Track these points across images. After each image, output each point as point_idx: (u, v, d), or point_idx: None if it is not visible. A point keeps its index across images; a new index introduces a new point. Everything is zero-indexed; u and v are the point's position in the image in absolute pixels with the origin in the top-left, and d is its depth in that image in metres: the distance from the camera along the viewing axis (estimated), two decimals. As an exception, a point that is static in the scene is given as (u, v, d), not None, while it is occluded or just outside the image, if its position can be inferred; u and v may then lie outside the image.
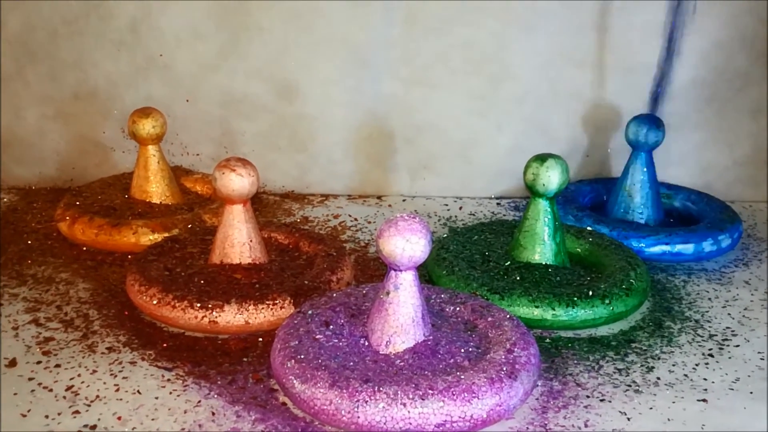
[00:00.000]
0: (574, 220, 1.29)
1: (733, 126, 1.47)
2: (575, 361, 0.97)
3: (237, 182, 1.05)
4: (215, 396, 0.88)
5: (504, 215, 1.42)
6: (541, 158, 1.10)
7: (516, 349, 0.88)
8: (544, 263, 1.12)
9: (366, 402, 0.80)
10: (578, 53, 1.42)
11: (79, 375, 0.91)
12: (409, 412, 0.79)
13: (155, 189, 1.32)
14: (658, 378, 0.94)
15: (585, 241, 1.20)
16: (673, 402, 0.89)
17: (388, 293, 0.89)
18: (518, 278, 1.09)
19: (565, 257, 1.15)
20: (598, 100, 1.45)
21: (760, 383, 0.93)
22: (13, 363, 0.93)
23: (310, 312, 0.94)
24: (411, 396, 0.80)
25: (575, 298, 1.03)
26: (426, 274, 1.14)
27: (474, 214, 1.42)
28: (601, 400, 0.89)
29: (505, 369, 0.84)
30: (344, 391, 0.81)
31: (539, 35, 1.40)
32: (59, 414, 0.84)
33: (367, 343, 0.91)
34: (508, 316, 0.95)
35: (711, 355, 0.99)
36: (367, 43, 1.40)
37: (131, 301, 1.05)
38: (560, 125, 1.47)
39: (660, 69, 1.43)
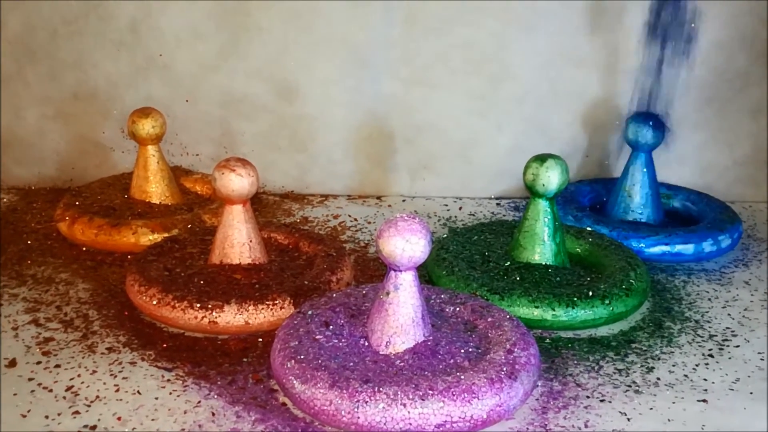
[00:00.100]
0: (574, 221, 1.29)
1: (733, 126, 1.47)
2: (575, 362, 0.97)
3: (237, 182, 1.05)
4: (215, 396, 0.88)
5: (504, 215, 1.42)
6: (541, 158, 1.10)
7: (516, 350, 0.88)
8: (544, 263, 1.12)
9: (366, 402, 0.80)
10: (578, 53, 1.42)
11: (79, 375, 0.91)
12: (409, 412, 0.79)
13: (155, 189, 1.32)
14: (658, 378, 0.94)
15: (585, 242, 1.20)
16: (673, 402, 0.89)
17: (387, 293, 0.89)
18: (518, 278, 1.09)
19: (565, 257, 1.15)
20: (598, 100, 1.45)
21: (760, 383, 0.93)
22: (12, 363, 0.93)
23: (309, 312, 0.94)
24: (411, 396, 0.80)
25: (575, 299, 1.03)
26: (426, 274, 1.14)
27: (474, 215, 1.42)
28: (601, 401, 0.89)
29: (505, 369, 0.84)
30: (344, 391, 0.81)
31: (539, 35, 1.40)
32: (59, 414, 0.84)
33: (367, 344, 0.91)
34: (508, 317, 0.95)
35: (711, 356, 0.99)
36: (367, 43, 1.40)
37: (131, 301, 1.05)
38: (560, 125, 1.47)
39: (660, 69, 1.43)
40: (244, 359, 0.95)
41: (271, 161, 1.46)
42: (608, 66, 1.43)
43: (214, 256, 1.10)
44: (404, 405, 0.79)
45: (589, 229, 1.24)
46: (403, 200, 1.48)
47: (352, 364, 0.86)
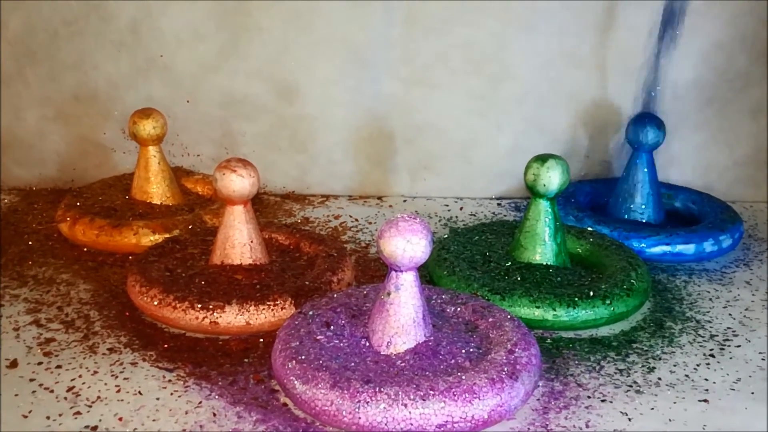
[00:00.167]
0: (575, 221, 1.29)
1: (734, 126, 1.47)
2: (576, 362, 0.97)
3: (238, 183, 1.05)
4: (216, 397, 0.88)
5: (505, 216, 1.42)
6: (542, 159, 1.10)
7: (517, 350, 0.88)
8: (544, 264, 1.12)
9: (367, 403, 0.80)
10: (578, 53, 1.42)
11: (80, 376, 0.91)
12: (410, 412, 0.79)
13: (156, 190, 1.32)
14: (660, 378, 0.94)
15: (586, 242, 1.20)
16: (675, 402, 0.89)
17: (388, 294, 0.89)
18: (519, 279, 1.09)
19: (565, 258, 1.15)
20: (598, 100, 1.45)
21: (761, 383, 0.93)
22: (14, 364, 0.93)
23: (311, 313, 0.94)
24: (412, 397, 0.80)
25: (576, 299, 1.03)
26: (427, 274, 1.14)
27: (474, 215, 1.42)
28: (602, 401, 0.89)
29: (506, 369, 0.84)
30: (345, 391, 0.81)
31: (539, 35, 1.40)
32: (60, 415, 0.84)
33: (368, 344, 0.91)
34: (509, 317, 0.95)
35: (712, 356, 0.99)
36: (367, 43, 1.40)
37: (132, 302, 1.05)
38: (560, 125, 1.47)
39: (659, 69, 1.43)
40: (245, 360, 0.95)
41: (272, 162, 1.46)
42: (608, 66, 1.43)
43: (215, 257, 1.10)
44: (405, 405, 0.79)
45: (590, 229, 1.24)
46: (404, 200, 1.48)
47: (353, 364, 0.86)
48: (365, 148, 1.47)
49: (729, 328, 1.06)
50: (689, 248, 1.23)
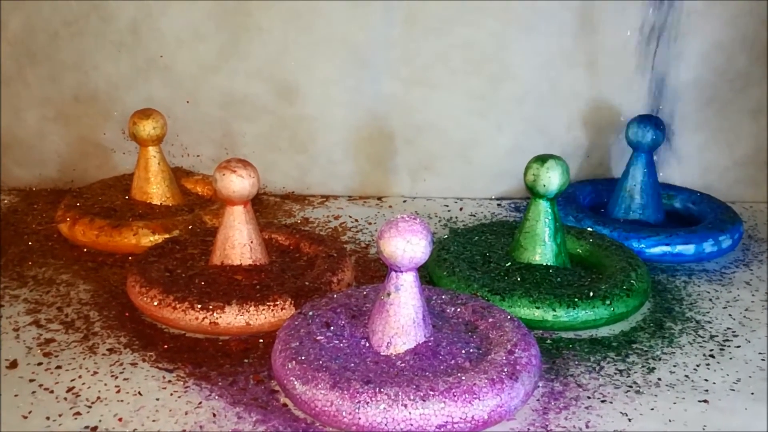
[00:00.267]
0: (575, 221, 1.29)
1: (734, 126, 1.47)
2: (576, 362, 0.97)
3: (237, 183, 1.05)
4: (216, 397, 0.88)
5: (504, 216, 1.42)
6: (542, 159, 1.10)
7: (517, 350, 0.88)
8: (544, 264, 1.12)
9: (367, 403, 0.80)
10: (578, 54, 1.42)
11: (80, 376, 0.91)
12: (410, 413, 0.79)
13: (156, 190, 1.32)
14: (659, 379, 0.94)
15: (585, 242, 1.20)
16: (674, 403, 0.89)
17: (388, 294, 0.89)
18: (519, 279, 1.09)
19: (565, 258, 1.15)
20: (598, 101, 1.45)
21: (761, 384, 0.93)
22: (14, 364, 0.93)
23: (310, 313, 0.94)
24: (412, 397, 0.80)
25: (576, 299, 1.03)
26: (427, 275, 1.14)
27: (474, 215, 1.42)
28: (602, 401, 0.89)
29: (506, 370, 0.84)
30: (345, 392, 0.81)
31: (539, 35, 1.40)
32: (60, 415, 0.84)
33: (367, 345, 0.91)
34: (508, 317, 0.95)
35: (712, 356, 0.99)
36: (367, 43, 1.40)
37: (132, 302, 1.05)
38: (560, 126, 1.47)
39: (659, 70, 1.43)
40: (245, 360, 0.95)
41: (272, 162, 1.46)
42: (608, 66, 1.43)
43: (215, 257, 1.10)
44: (405, 406, 0.79)
45: (589, 229, 1.24)
46: (404, 201, 1.48)
47: (353, 364, 0.86)
48: (365, 148, 1.47)
49: (729, 328, 1.06)
50: (689, 249, 1.23)
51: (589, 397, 0.90)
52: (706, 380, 0.94)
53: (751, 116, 1.47)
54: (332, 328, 0.92)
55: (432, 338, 0.91)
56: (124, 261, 1.19)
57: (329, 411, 0.81)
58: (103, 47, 1.40)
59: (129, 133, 1.30)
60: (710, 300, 1.13)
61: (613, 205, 1.36)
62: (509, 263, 1.13)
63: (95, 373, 0.92)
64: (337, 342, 0.91)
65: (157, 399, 0.87)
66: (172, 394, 0.88)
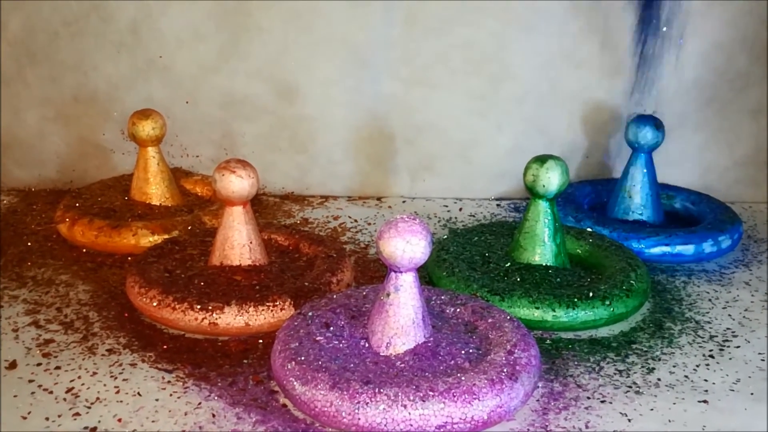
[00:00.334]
0: (574, 221, 1.29)
1: (734, 127, 1.47)
2: (576, 363, 0.97)
3: (237, 184, 1.05)
4: (215, 398, 0.88)
5: (504, 216, 1.42)
6: (541, 159, 1.10)
7: (516, 351, 0.88)
8: (544, 264, 1.12)
9: (367, 404, 0.79)
10: (578, 54, 1.42)
11: (79, 377, 0.91)
12: (409, 413, 0.79)
13: (155, 191, 1.32)
14: (659, 379, 0.94)
15: (585, 243, 1.20)
16: (674, 403, 0.89)
17: (388, 295, 0.89)
18: (518, 279, 1.09)
19: (565, 258, 1.15)
20: (597, 101, 1.45)
21: (760, 384, 0.93)
22: (13, 365, 0.93)
23: (310, 314, 0.94)
24: (412, 397, 0.80)
25: (575, 300, 1.03)
26: (426, 275, 1.14)
27: (474, 216, 1.42)
28: (602, 402, 0.89)
29: (505, 370, 0.84)
30: (345, 392, 0.80)
31: (539, 36, 1.40)
32: (59, 416, 0.84)
33: (367, 345, 0.91)
34: (508, 318, 0.95)
35: (711, 356, 0.99)
36: (367, 43, 1.40)
37: (131, 303, 1.05)
38: (560, 126, 1.47)
39: (659, 70, 1.43)
40: (245, 361, 0.95)
41: (272, 162, 1.46)
42: (608, 66, 1.43)
43: (214, 258, 1.10)
44: (405, 406, 0.79)
45: (589, 230, 1.24)
46: (404, 201, 1.48)
47: (352, 365, 0.86)
48: (365, 148, 1.47)
49: (728, 328, 1.06)
50: (688, 249, 1.23)
51: (588, 398, 0.90)
52: (706, 380, 0.94)
53: (750, 116, 1.47)
54: (332, 328, 0.92)
55: (431, 339, 0.91)
56: (124, 261, 1.19)
57: (329, 411, 0.81)
58: (103, 47, 1.40)
59: (128, 133, 1.30)
60: (710, 300, 1.13)
61: (613, 205, 1.36)
62: (509, 264, 1.13)
63: (94, 373, 0.92)
64: (336, 342, 0.90)
65: (157, 399, 0.87)
66: (171, 395, 0.88)
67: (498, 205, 1.48)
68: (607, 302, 1.03)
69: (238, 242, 1.09)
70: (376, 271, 1.19)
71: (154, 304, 1.01)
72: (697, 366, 0.97)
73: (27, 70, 1.42)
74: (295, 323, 0.93)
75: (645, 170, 1.33)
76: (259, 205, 1.43)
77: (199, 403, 0.87)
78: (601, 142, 1.48)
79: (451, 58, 1.41)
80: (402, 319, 0.88)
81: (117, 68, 1.42)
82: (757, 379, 0.94)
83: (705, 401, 0.90)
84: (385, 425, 0.79)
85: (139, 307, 1.03)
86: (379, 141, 1.46)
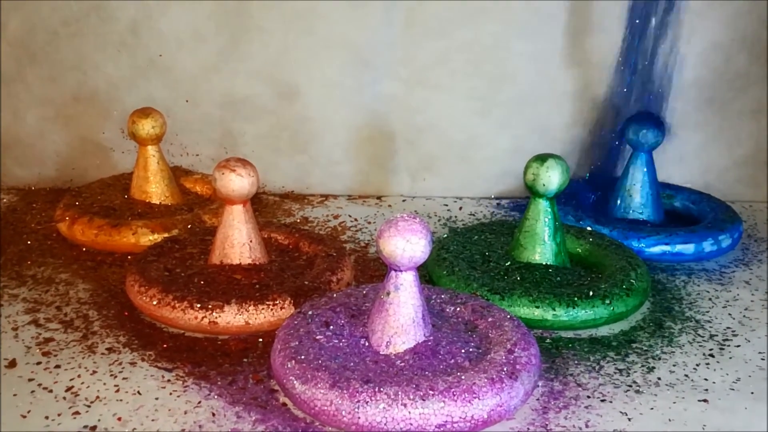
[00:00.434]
0: (574, 221, 1.29)
1: (734, 126, 1.47)
2: (576, 362, 0.97)
3: (237, 182, 1.05)
4: (215, 397, 0.88)
5: (504, 215, 1.42)
6: (541, 158, 1.10)
7: (516, 350, 0.88)
8: (544, 263, 1.12)
9: (366, 402, 0.79)
10: (578, 54, 1.42)
11: (79, 376, 0.91)
12: (409, 412, 0.79)
13: (155, 189, 1.32)
14: (659, 378, 0.94)
15: (585, 242, 1.20)
16: (674, 402, 0.89)
17: (388, 294, 0.89)
18: (518, 278, 1.09)
19: (565, 257, 1.15)
20: (597, 101, 1.45)
21: (760, 383, 0.93)
22: (12, 364, 0.93)
23: (310, 312, 0.94)
24: (412, 396, 0.80)
25: (576, 299, 1.02)
26: (426, 274, 1.14)
27: (474, 215, 1.42)
28: (602, 401, 0.89)
29: (505, 369, 0.84)
30: (345, 391, 0.80)
31: (539, 36, 1.40)
32: (59, 415, 0.84)
33: (367, 344, 0.91)
34: (508, 317, 0.95)
35: (712, 356, 0.99)
36: (367, 44, 1.40)
37: (131, 301, 1.05)
38: (560, 125, 1.47)
39: (658, 69, 1.43)
40: (245, 359, 0.95)
41: (272, 162, 1.46)
42: (607, 66, 1.43)
43: (214, 257, 1.10)
44: (405, 405, 0.79)
45: (589, 229, 1.24)
46: (404, 200, 1.48)
47: (352, 364, 0.86)
48: (365, 149, 1.47)
49: (728, 327, 1.06)
50: (689, 248, 1.23)
51: (588, 397, 0.90)
52: (706, 379, 0.94)
53: (750, 116, 1.47)
54: (332, 327, 0.92)
55: (431, 337, 0.91)
56: (123, 260, 1.19)
57: (329, 410, 0.81)
58: (103, 47, 1.40)
59: (128, 132, 1.30)
60: (710, 299, 1.13)
61: (613, 204, 1.36)
62: (509, 263, 1.13)
63: (94, 372, 0.92)
64: (336, 341, 0.90)
65: (156, 398, 0.87)
66: (171, 394, 0.88)
67: (498, 204, 1.48)
68: (607, 301, 1.03)
69: (238, 241, 1.09)
70: (376, 270, 1.19)
71: (154, 302, 1.01)
72: (697, 365, 0.97)
73: (27, 69, 1.42)
74: (295, 322, 0.93)
75: (645, 169, 1.33)
76: (259, 203, 1.43)
77: (199, 402, 0.87)
78: (601, 141, 1.48)
79: (452, 59, 1.41)
80: (402, 318, 0.88)
81: (117, 68, 1.42)
82: (757, 378, 0.94)
83: (705, 400, 0.90)
84: (385, 424, 0.79)
85: (139, 305, 1.03)
86: (380, 141, 1.46)
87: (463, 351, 0.90)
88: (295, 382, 0.83)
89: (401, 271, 0.88)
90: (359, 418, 0.79)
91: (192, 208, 1.31)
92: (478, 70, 1.42)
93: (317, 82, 1.42)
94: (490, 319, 0.94)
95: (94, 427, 0.82)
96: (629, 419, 0.86)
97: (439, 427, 0.79)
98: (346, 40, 1.40)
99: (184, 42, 1.40)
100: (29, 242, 1.25)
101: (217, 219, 1.24)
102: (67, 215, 1.25)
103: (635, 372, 0.95)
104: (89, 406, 0.86)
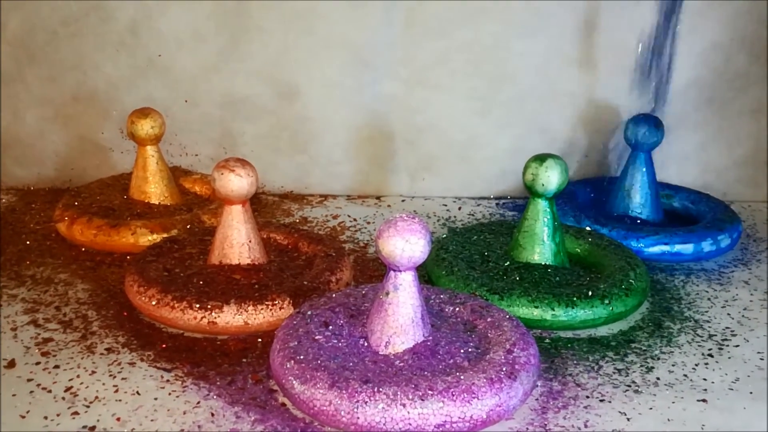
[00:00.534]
0: (574, 221, 1.29)
1: (733, 126, 1.47)
2: (575, 362, 0.97)
3: (236, 183, 1.05)
4: (214, 397, 0.88)
5: (503, 215, 1.42)
6: (541, 158, 1.10)
7: (515, 350, 0.88)
8: (543, 263, 1.12)
9: (366, 403, 0.79)
10: (577, 54, 1.42)
11: (78, 376, 0.91)
12: (408, 412, 0.79)
13: (154, 189, 1.32)
14: (658, 378, 0.94)
15: (584, 242, 1.20)
16: (673, 402, 0.89)
17: (387, 294, 0.89)
18: (518, 278, 1.09)
19: (564, 257, 1.15)
20: (597, 101, 1.45)
21: (759, 383, 0.93)
22: (12, 364, 0.93)
23: (309, 312, 0.94)
24: (411, 396, 0.80)
25: (575, 299, 1.02)
26: (425, 274, 1.14)
27: (473, 215, 1.42)
28: (601, 401, 0.89)
29: (504, 369, 0.84)
30: (344, 391, 0.80)
31: (539, 36, 1.40)
32: (58, 415, 0.84)
33: (366, 344, 0.91)
34: (507, 317, 0.95)
35: (710, 355, 0.99)
36: (367, 44, 1.40)
37: (130, 301, 1.05)
38: (559, 126, 1.47)
39: (658, 69, 1.43)
40: (244, 360, 0.95)
41: (271, 162, 1.46)
42: (607, 66, 1.43)
43: (213, 257, 1.10)
44: (404, 405, 0.79)
45: (588, 229, 1.24)
46: (403, 200, 1.48)
47: (351, 364, 0.86)
48: (365, 149, 1.47)
49: (727, 327, 1.06)
50: (688, 248, 1.23)
51: (587, 397, 0.90)
52: (705, 379, 0.94)
53: (750, 116, 1.47)
54: (331, 327, 0.92)
55: (431, 338, 0.91)
56: (123, 260, 1.19)
57: (328, 410, 0.81)
58: (102, 47, 1.40)
59: (127, 132, 1.30)
60: (709, 299, 1.13)
61: (612, 204, 1.36)
62: (508, 263, 1.13)
63: (93, 372, 0.92)
64: (335, 341, 0.90)
65: (156, 398, 0.87)
66: (170, 394, 0.88)
67: (497, 204, 1.48)
68: (606, 301, 1.03)
69: (237, 241, 1.09)
70: (375, 270, 1.19)
71: (153, 303, 1.01)
72: (696, 365, 0.97)
73: (26, 69, 1.42)
74: (294, 322, 0.93)
75: (644, 169, 1.33)
76: (258, 203, 1.43)
77: (198, 402, 0.87)
78: (601, 141, 1.48)
79: (451, 59, 1.41)
80: (401, 318, 0.88)
81: (116, 68, 1.42)
82: (756, 378, 0.94)
83: (704, 400, 0.90)
84: (384, 424, 0.79)
85: (138, 305, 1.03)
86: (379, 141, 1.46)
87: (462, 351, 0.90)
88: (294, 382, 0.83)
89: (400, 271, 0.88)
90: (358, 418, 0.79)
91: (191, 209, 1.31)
92: (478, 70, 1.42)
93: (317, 82, 1.42)
94: (489, 319, 0.94)
95: (93, 428, 0.82)
96: (628, 419, 0.86)
97: (438, 427, 0.79)
98: (346, 40, 1.40)
99: (183, 42, 1.40)
100: (28, 242, 1.25)
101: (216, 219, 1.24)
102: (66, 215, 1.25)
103: (634, 372, 0.95)
104: (88, 407, 0.86)
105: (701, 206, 1.37)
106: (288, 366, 0.85)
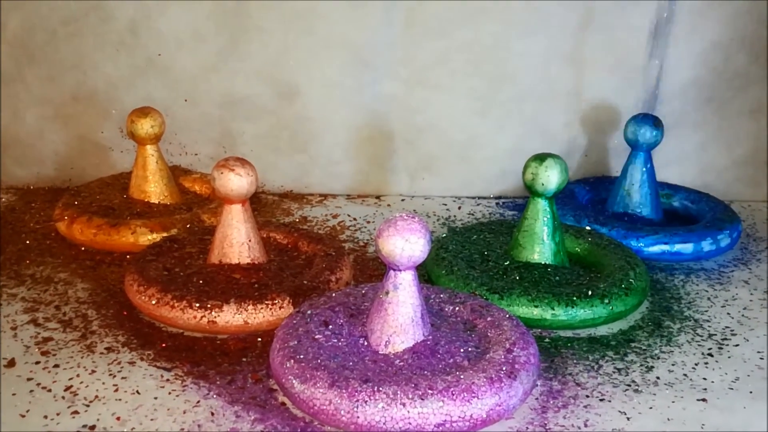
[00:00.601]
0: (573, 220, 1.29)
1: (733, 126, 1.47)
2: (575, 361, 0.97)
3: (236, 182, 1.05)
4: (214, 396, 0.88)
5: (503, 215, 1.42)
6: (540, 158, 1.10)
7: (515, 349, 0.88)
8: (543, 263, 1.12)
9: (365, 402, 0.79)
10: (577, 54, 1.42)
11: (77, 375, 0.91)
12: (408, 412, 0.79)
13: (154, 189, 1.32)
14: (658, 377, 0.94)
15: (584, 241, 1.20)
16: (673, 401, 0.89)
17: (387, 293, 0.89)
18: (517, 278, 1.09)
19: (564, 257, 1.15)
20: (596, 100, 1.45)
21: (759, 383, 0.93)
22: (11, 363, 0.93)
23: (309, 312, 0.94)
24: (410, 396, 0.80)
25: (574, 298, 1.02)
26: (425, 273, 1.14)
27: (473, 214, 1.42)
28: (601, 400, 0.89)
29: (504, 369, 0.84)
30: (343, 391, 0.80)
31: (539, 36, 1.40)
32: (58, 414, 0.84)
33: (366, 343, 0.91)
34: (507, 316, 0.95)
35: (710, 355, 0.99)
36: (367, 44, 1.40)
37: (130, 301, 1.05)
38: (559, 125, 1.47)
39: (657, 69, 1.43)
40: (244, 359, 0.95)
41: (271, 161, 1.46)
42: (607, 66, 1.43)
43: (213, 256, 1.10)
44: (404, 404, 0.79)
45: (588, 228, 1.24)
46: (403, 200, 1.48)
47: (351, 363, 0.86)
48: (365, 148, 1.47)
49: (727, 327, 1.06)
50: (687, 247, 1.23)
51: (587, 396, 0.90)
52: (705, 379, 0.94)
53: (749, 116, 1.47)
54: (331, 326, 0.92)
55: (430, 337, 0.91)
56: (122, 259, 1.19)
57: (327, 410, 0.81)
58: (102, 47, 1.40)
59: (127, 131, 1.30)
60: (709, 299, 1.13)
61: (612, 203, 1.36)
62: (508, 262, 1.13)
63: (93, 371, 0.92)
64: (335, 341, 0.90)
65: (155, 398, 0.87)
66: (170, 393, 0.88)
67: (497, 203, 1.48)
68: (606, 301, 1.03)
69: (237, 240, 1.08)
70: (375, 270, 1.19)
71: (153, 302, 1.01)
72: (696, 364, 0.97)
73: (26, 69, 1.41)
74: (294, 321, 0.93)
75: (644, 169, 1.33)
76: (258, 203, 1.43)
77: (198, 402, 0.87)
78: (600, 141, 1.48)
79: (452, 59, 1.41)
80: (401, 318, 0.88)
81: (116, 67, 1.42)
82: (756, 378, 0.94)
83: (704, 399, 0.90)
84: (384, 424, 0.79)
85: (138, 305, 1.03)
86: (379, 141, 1.46)
87: (462, 350, 0.90)
88: (294, 381, 0.83)
89: (400, 270, 0.88)
90: (358, 417, 0.79)
91: (191, 208, 1.31)
92: (478, 70, 1.42)
93: (317, 82, 1.42)
94: (489, 319, 0.94)
95: (93, 427, 0.82)
96: (628, 418, 0.86)
97: (438, 426, 0.79)
98: (346, 40, 1.40)
99: (183, 42, 1.40)
100: (28, 241, 1.25)
101: (215, 218, 1.24)
102: (66, 214, 1.25)
103: (634, 371, 0.95)
104: (88, 406, 0.86)
105: (701, 206, 1.37)
106: (288, 365, 0.85)
